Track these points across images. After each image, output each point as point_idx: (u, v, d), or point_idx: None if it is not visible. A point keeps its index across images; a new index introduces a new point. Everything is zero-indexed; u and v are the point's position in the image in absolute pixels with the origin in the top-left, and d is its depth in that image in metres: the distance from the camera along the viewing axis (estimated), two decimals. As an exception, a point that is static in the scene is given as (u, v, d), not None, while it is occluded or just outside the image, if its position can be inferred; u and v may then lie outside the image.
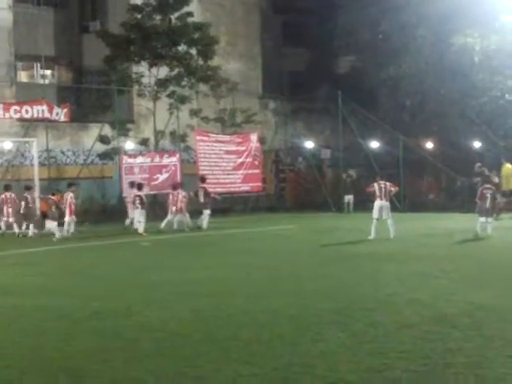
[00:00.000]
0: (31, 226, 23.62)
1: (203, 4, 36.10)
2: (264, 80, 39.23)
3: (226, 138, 31.58)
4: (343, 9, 34.54)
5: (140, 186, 24.09)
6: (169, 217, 24.23)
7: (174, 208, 24.18)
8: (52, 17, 34.39)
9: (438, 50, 31.93)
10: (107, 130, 30.15)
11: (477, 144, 32.31)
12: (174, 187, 25.09)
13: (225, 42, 35.26)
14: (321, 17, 36.83)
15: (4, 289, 12.23)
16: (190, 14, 30.25)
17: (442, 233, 20.21)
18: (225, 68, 33.00)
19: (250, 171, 31.61)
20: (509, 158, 27.74)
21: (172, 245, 20.22)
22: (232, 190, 31.27)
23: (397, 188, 20.57)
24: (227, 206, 31.43)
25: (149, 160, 28.69)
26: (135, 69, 30.86)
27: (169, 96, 30.34)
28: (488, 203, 19.06)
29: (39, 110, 26.24)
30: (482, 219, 18.94)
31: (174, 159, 29.17)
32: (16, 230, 23.74)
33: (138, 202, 23.16)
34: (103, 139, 29.92)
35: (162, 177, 28.27)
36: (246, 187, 31.79)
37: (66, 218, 23.47)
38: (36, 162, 26.63)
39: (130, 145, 30.41)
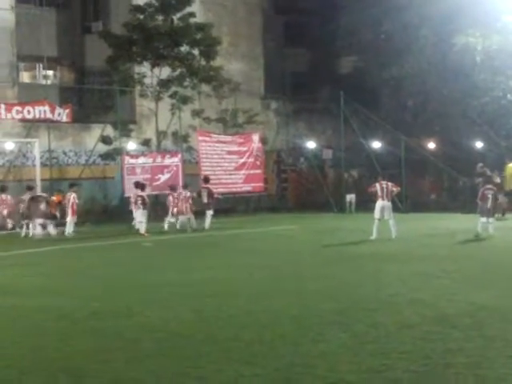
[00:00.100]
0: (31, 225, 23.65)
1: (205, 4, 36.10)
2: (266, 80, 39.23)
3: (228, 138, 31.60)
4: (345, 9, 34.55)
5: (142, 187, 24.09)
6: (169, 218, 24.18)
7: (175, 209, 24.17)
8: (54, 17, 34.39)
9: (440, 50, 31.93)
10: (109, 131, 30.16)
11: (479, 144, 32.30)
12: (173, 188, 25.11)
13: (227, 43, 35.26)
14: (323, 17, 36.84)
15: (4, 289, 12.23)
16: (192, 15, 30.26)
17: (443, 233, 20.20)
18: (227, 68, 32.98)
19: (251, 171, 31.62)
20: (512, 158, 27.75)
21: (174, 245, 20.23)
22: (234, 190, 31.29)
23: (399, 188, 20.58)
24: (229, 206, 31.46)
25: (151, 160, 28.69)
26: (137, 69, 30.87)
27: (171, 96, 30.34)
28: (489, 204, 19.05)
29: (41, 111, 26.25)
30: (483, 219, 18.93)
31: (176, 160, 29.17)
32: (22, 231, 23.72)
33: (139, 202, 23.17)
34: (105, 140, 29.94)
35: (163, 177, 28.26)
36: (247, 187, 31.80)
37: (68, 218, 23.52)
38: (38, 162, 26.65)
39: (131, 145, 30.42)
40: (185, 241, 21.34)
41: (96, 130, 30.94)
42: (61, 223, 24.15)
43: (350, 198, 31.76)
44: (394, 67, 32.91)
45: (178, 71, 30.37)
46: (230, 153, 31.08)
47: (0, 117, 25.70)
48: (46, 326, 9.02)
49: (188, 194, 24.67)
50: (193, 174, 28.72)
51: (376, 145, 33.56)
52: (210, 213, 24.52)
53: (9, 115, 25.89)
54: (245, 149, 31.53)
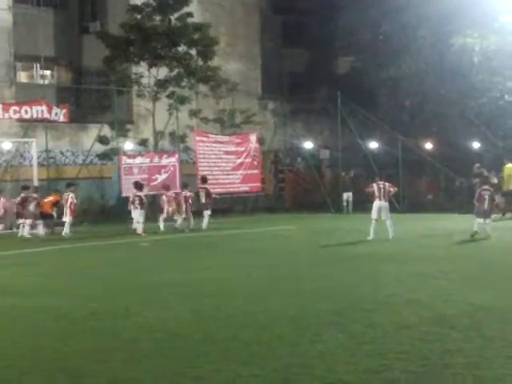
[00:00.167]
0: (21, 225, 23.66)
1: (203, 4, 36.11)
2: (263, 81, 39.23)
3: (226, 138, 31.59)
4: (344, 9, 34.57)
5: (140, 187, 24.06)
6: (164, 217, 24.08)
7: (170, 209, 24.15)
8: (52, 17, 34.39)
9: (437, 50, 31.98)
10: (106, 131, 30.15)
11: (476, 145, 32.34)
12: (166, 187, 25.11)
13: (224, 43, 35.26)
14: (321, 17, 36.90)
15: (3, 289, 12.22)
16: (189, 15, 30.25)
17: (441, 233, 20.22)
18: (224, 68, 33.00)
19: (249, 172, 31.62)
20: (511, 158, 27.71)
21: (171, 245, 20.23)
22: (231, 190, 31.29)
23: (396, 188, 20.58)
24: (227, 206, 31.45)
25: (148, 160, 28.64)
26: (135, 69, 30.85)
27: (168, 96, 30.34)
28: (486, 205, 19.04)
29: (38, 111, 26.22)
30: (480, 220, 18.92)
31: (173, 160, 29.14)
32: (19, 231, 23.73)
33: (137, 202, 23.15)
34: (102, 140, 29.93)
35: (161, 177, 28.22)
36: (245, 188, 31.80)
37: (67, 219, 23.49)
38: (35, 162, 26.63)
39: (129, 145, 30.41)
40: (182, 241, 21.34)
41: (93, 130, 30.94)
42: (57, 223, 24.14)
43: (347, 196, 31.78)
44: (391, 67, 32.95)
45: (176, 71, 30.37)
46: (227, 153, 31.07)
47: (-3, 117, 25.73)
48: (44, 326, 9.02)
49: (188, 193, 24.66)
50: (190, 174, 28.70)
51: (373, 145, 33.60)
52: (207, 213, 24.51)
53: (6, 115, 25.86)
54: (242, 149, 31.53)
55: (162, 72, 30.28)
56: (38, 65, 33.80)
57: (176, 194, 25.07)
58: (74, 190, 24.53)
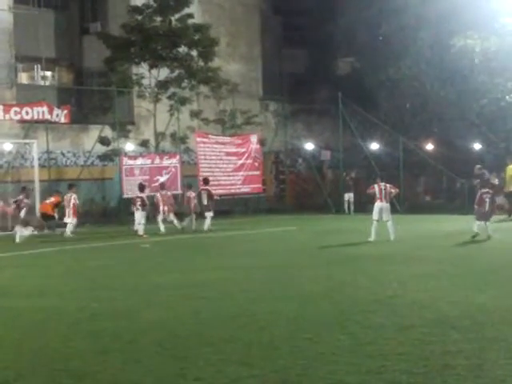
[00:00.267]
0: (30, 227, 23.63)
1: (203, 5, 36.14)
2: (264, 81, 39.27)
3: (226, 139, 31.61)
4: (344, 11, 34.62)
5: (142, 188, 24.04)
6: (161, 218, 24.04)
7: (165, 208, 24.12)
8: (52, 18, 34.44)
9: (437, 51, 31.99)
10: (107, 132, 30.16)
11: (477, 146, 32.33)
12: (162, 187, 25.10)
13: (225, 44, 35.30)
14: (321, 18, 36.89)
15: (2, 290, 12.21)
16: (190, 16, 30.29)
17: (442, 234, 20.21)
18: (225, 69, 33.03)
19: (250, 173, 31.64)
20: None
21: (172, 247, 20.23)
22: (232, 191, 31.31)
23: (397, 190, 20.57)
24: (228, 207, 31.44)
25: (149, 161, 28.68)
26: (135, 70, 30.89)
27: (169, 97, 30.36)
28: (487, 207, 19.00)
29: (39, 112, 26.23)
30: (480, 223, 18.87)
31: (175, 161, 29.18)
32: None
33: (138, 203, 23.15)
34: (103, 141, 29.93)
35: (162, 178, 28.23)
36: (246, 189, 31.82)
37: (69, 219, 23.45)
38: (36, 163, 26.61)
39: (130, 146, 30.41)
40: (184, 242, 21.34)
41: (94, 131, 30.96)
42: (58, 224, 24.12)
43: (349, 196, 31.78)
44: (391, 68, 32.97)
45: (176, 72, 30.40)
46: (228, 154, 31.09)
47: (-2, 118, 25.74)
48: (44, 327, 9.01)
49: (193, 194, 24.66)
50: (191, 176, 28.71)
51: (374, 146, 33.61)
52: (209, 214, 24.49)
53: (7, 116, 25.88)
54: (243, 150, 31.54)
55: (163, 73, 30.31)
56: (39, 66, 33.84)
57: (173, 194, 25.06)
58: (76, 190, 24.53)
